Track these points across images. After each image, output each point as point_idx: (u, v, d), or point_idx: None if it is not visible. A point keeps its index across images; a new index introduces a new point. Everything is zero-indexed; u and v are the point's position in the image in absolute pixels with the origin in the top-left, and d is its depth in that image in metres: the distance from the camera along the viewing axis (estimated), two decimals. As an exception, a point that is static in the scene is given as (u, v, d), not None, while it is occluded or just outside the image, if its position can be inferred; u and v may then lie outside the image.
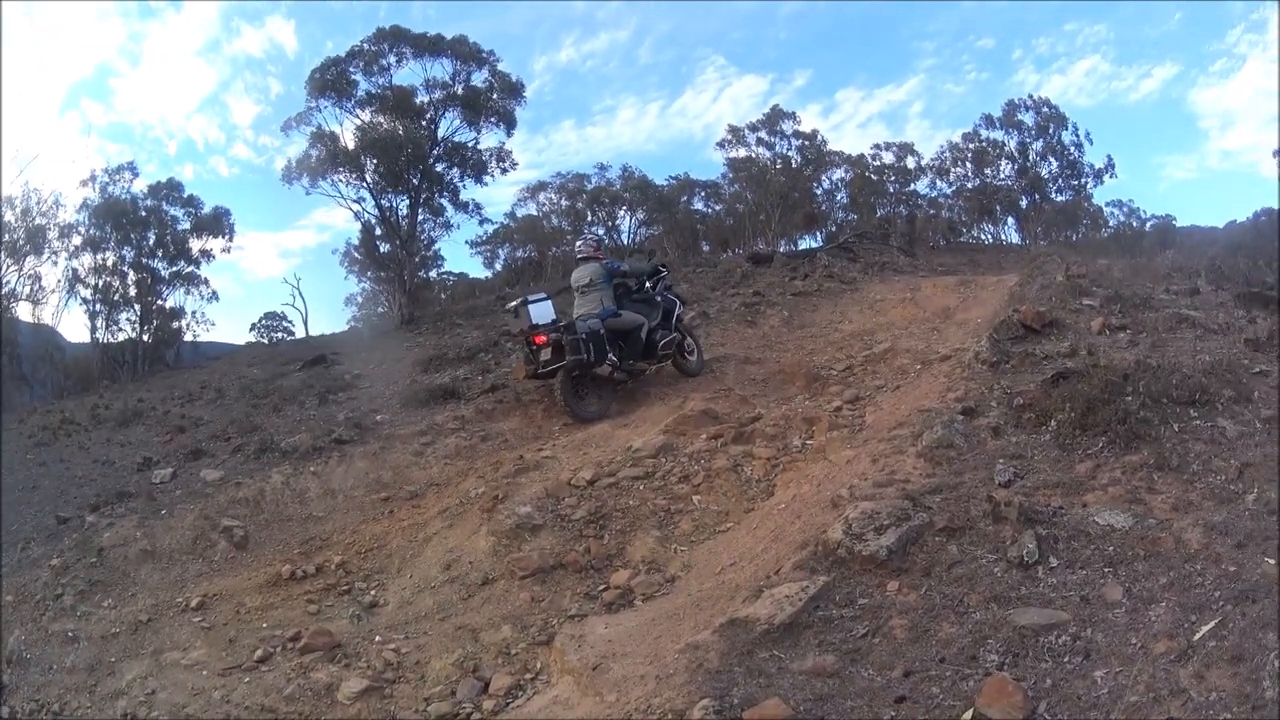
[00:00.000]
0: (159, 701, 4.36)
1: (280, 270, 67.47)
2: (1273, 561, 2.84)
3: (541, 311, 8.53)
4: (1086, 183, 28.58)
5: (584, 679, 3.56)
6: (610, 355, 8.25)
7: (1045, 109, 28.72)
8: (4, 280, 18.14)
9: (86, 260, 20.19)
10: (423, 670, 4.40)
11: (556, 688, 3.76)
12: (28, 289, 18.97)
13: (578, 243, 9.75)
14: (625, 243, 27.86)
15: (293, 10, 53.06)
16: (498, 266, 32.48)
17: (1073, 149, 28.32)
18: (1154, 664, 2.53)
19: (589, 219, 29.07)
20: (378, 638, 4.78)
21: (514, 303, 8.95)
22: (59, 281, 19.72)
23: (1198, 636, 2.56)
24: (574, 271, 9.10)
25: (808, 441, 6.27)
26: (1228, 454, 3.81)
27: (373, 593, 5.46)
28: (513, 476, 6.47)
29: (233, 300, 48.77)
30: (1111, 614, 2.88)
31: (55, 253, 19.64)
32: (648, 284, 9.03)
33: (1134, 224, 28.98)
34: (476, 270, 33.46)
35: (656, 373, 8.95)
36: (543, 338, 8.24)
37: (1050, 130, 28.40)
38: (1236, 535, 3.07)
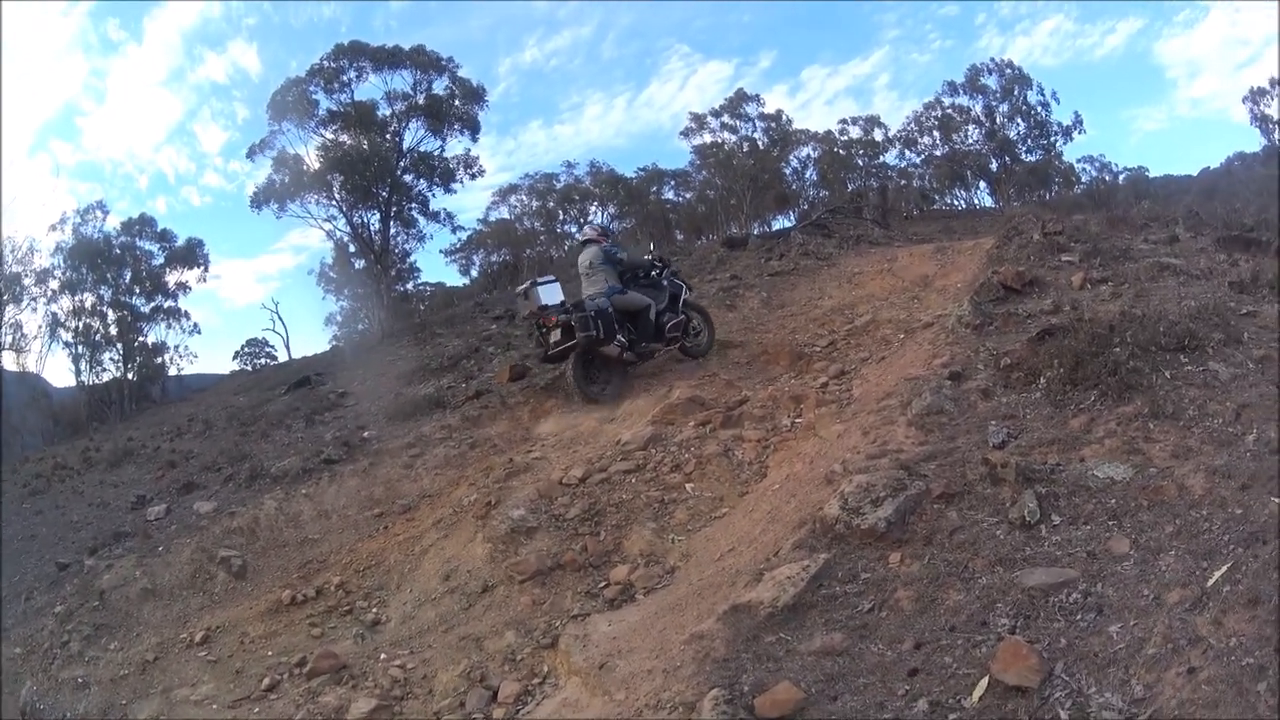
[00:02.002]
0: (172, 740, 4.38)
1: (260, 296, 67.62)
2: (1278, 500, 2.78)
3: (550, 293, 8.49)
4: (1056, 141, 29.08)
5: (591, 679, 3.54)
6: (619, 336, 8.25)
7: (1009, 71, 29.04)
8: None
9: (65, 303, 20.39)
10: (430, 684, 4.38)
11: (565, 690, 3.76)
12: (10, 338, 19.09)
13: (584, 227, 9.75)
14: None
15: (254, 33, 52.64)
16: (474, 273, 32.66)
17: (1039, 109, 28.74)
18: (1169, 614, 2.48)
19: (560, 218, 29.12)
20: (383, 655, 4.75)
21: (523, 285, 8.92)
22: (40, 327, 19.84)
23: (1211, 583, 2.51)
24: (579, 256, 9.12)
25: (797, 420, 6.21)
26: (1223, 397, 3.77)
27: (374, 610, 5.41)
28: (504, 481, 6.41)
29: (214, 330, 48.90)
30: (1120, 567, 2.84)
31: (34, 299, 19.75)
32: (653, 272, 9.07)
33: (1106, 178, 29.26)
34: (453, 279, 33.70)
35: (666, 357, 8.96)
36: (552, 319, 8.25)
37: (1015, 92, 28.71)
38: (1240, 477, 3.02)
